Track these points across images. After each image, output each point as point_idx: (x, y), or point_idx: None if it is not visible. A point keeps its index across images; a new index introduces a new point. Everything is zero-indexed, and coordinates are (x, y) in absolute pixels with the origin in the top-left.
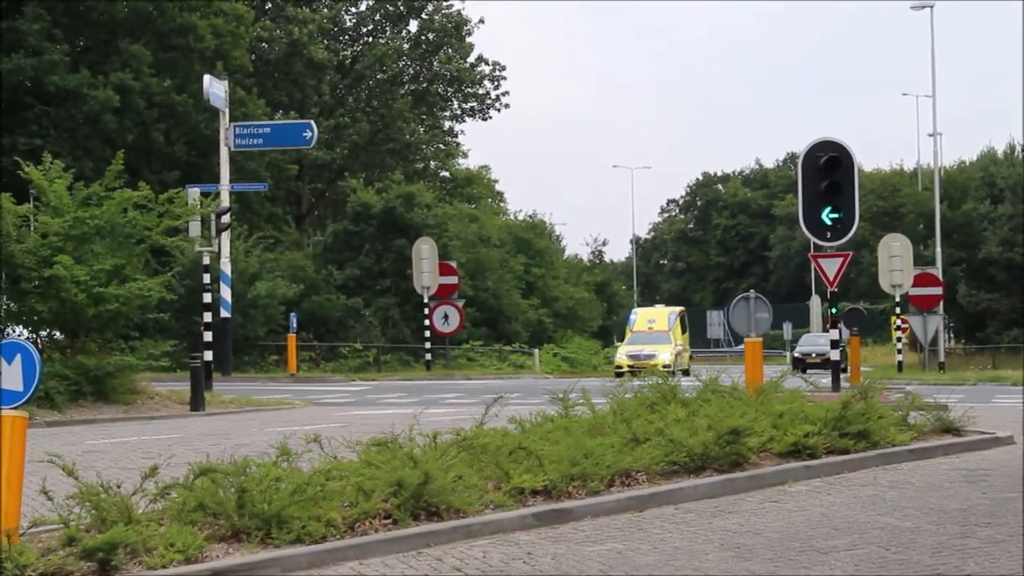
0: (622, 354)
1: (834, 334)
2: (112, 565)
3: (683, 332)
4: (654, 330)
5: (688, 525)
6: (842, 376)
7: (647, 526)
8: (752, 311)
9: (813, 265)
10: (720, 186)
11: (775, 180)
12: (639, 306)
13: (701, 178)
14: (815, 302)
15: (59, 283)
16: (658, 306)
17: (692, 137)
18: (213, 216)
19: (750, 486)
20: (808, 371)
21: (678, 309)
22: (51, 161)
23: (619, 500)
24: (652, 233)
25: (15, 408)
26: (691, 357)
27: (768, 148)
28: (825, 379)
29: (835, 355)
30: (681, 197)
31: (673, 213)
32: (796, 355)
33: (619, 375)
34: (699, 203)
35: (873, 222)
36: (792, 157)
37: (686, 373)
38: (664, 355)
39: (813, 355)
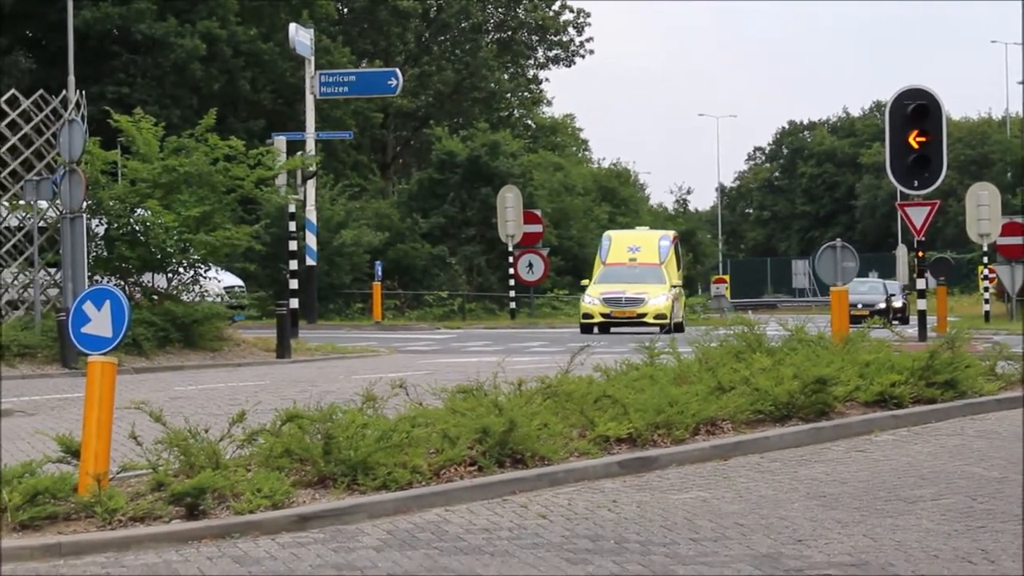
0: (593, 297)
1: (920, 283)
2: (200, 510)
3: (679, 268)
4: (639, 262)
5: (773, 474)
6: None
7: (732, 475)
8: (839, 260)
9: (900, 214)
10: (806, 134)
11: (862, 128)
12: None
13: (787, 126)
14: (901, 251)
15: (147, 229)
16: (641, 228)
17: (778, 85)
18: (301, 167)
19: (836, 435)
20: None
21: (671, 234)
22: (141, 115)
23: (704, 449)
24: (737, 182)
25: (104, 354)
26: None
27: (855, 96)
28: (911, 329)
29: (922, 304)
30: (767, 145)
31: (759, 162)
32: None
33: (586, 328)
34: (785, 151)
35: (961, 171)
36: (879, 105)
37: (679, 328)
38: (658, 299)
39: (859, 306)
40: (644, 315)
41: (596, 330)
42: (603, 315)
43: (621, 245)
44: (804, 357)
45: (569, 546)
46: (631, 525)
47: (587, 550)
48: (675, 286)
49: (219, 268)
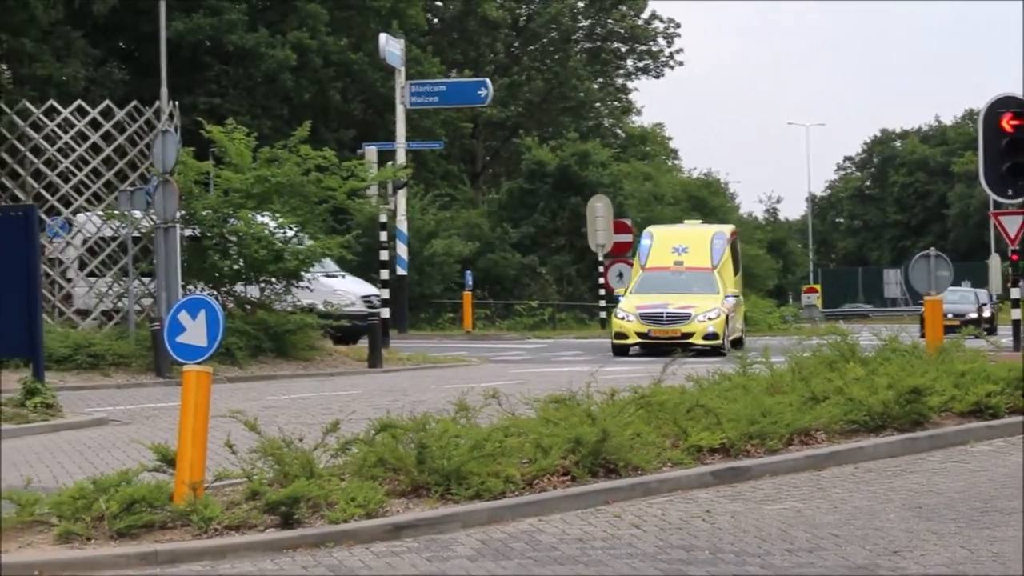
0: (628, 312)
1: (1015, 292)
2: (295, 519)
3: (736, 271)
4: (686, 266)
5: (868, 484)
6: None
7: (826, 485)
8: (932, 269)
9: (993, 223)
10: (898, 143)
11: (954, 137)
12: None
13: (879, 135)
14: (994, 260)
15: (240, 239)
16: (691, 222)
17: (869, 94)
18: (392, 178)
19: (931, 446)
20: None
21: (728, 229)
22: (234, 126)
23: (798, 459)
24: (828, 191)
25: (199, 363)
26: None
27: (947, 104)
28: (1005, 338)
29: (1016, 314)
30: (857, 154)
31: (849, 170)
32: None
33: (620, 349)
34: (876, 160)
35: None
36: (971, 114)
37: (738, 345)
38: (708, 314)
39: (950, 315)
40: (690, 335)
41: (637, 349)
42: (639, 334)
43: (665, 245)
44: (898, 367)
45: (663, 556)
46: (725, 535)
47: (681, 560)
48: (731, 295)
49: (357, 278)
